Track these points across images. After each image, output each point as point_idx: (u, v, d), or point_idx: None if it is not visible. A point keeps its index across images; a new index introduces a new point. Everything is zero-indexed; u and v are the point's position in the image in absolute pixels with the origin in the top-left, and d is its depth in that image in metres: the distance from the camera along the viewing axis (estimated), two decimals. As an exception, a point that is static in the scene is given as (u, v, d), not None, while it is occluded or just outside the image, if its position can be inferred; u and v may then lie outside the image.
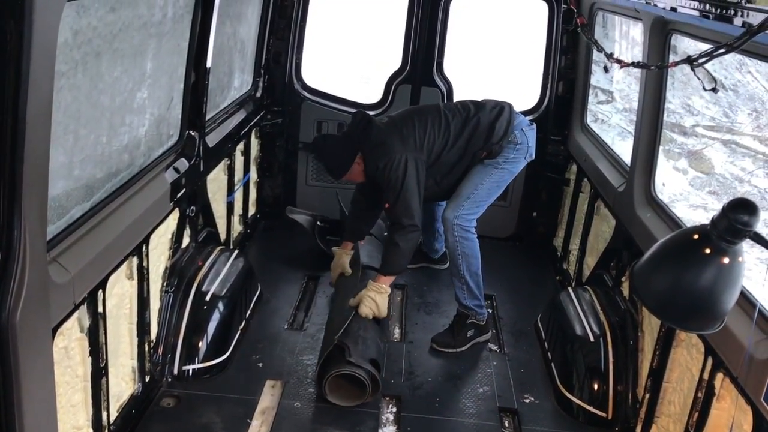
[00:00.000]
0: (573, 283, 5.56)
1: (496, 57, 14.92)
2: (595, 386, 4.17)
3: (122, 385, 3.67)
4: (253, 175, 6.22)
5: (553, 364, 4.56)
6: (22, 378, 2.39)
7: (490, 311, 5.26)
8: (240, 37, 5.36)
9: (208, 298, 4.33)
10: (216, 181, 5.06)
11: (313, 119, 6.31)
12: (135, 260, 3.56)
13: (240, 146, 5.62)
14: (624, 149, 5.13)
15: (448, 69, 6.27)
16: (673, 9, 3.31)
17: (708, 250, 2.26)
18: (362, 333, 4.31)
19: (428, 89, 6.21)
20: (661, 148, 4.52)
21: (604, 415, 4.12)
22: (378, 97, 6.33)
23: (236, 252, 4.98)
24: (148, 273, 3.71)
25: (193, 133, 4.33)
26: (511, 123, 4.69)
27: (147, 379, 3.93)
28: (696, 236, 2.33)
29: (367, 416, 4.08)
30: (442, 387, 4.45)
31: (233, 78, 5.47)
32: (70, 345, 2.96)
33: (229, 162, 5.26)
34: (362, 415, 4.08)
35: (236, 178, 5.50)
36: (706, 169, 12.09)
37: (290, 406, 4.10)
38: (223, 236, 5.32)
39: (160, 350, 4.11)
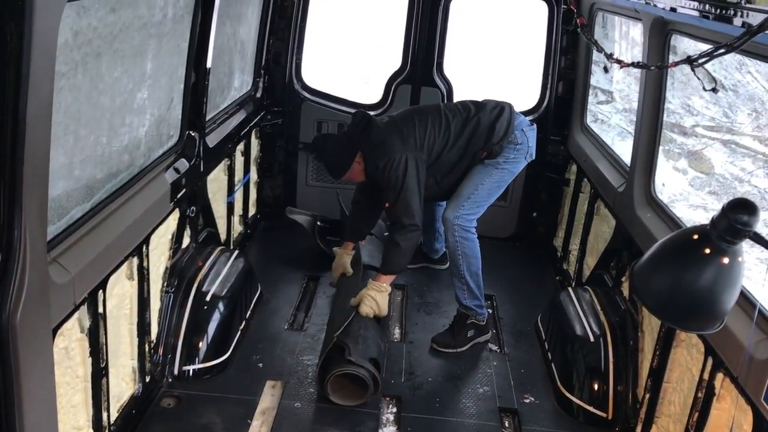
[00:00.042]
0: (573, 283, 5.56)
1: (496, 57, 14.92)
2: (596, 386, 4.17)
3: (122, 385, 3.67)
4: (253, 175, 6.22)
5: (553, 364, 4.56)
6: (23, 378, 2.39)
7: (490, 311, 5.26)
8: (240, 38, 5.36)
9: (208, 298, 4.33)
10: (216, 181, 5.07)
11: (313, 119, 6.31)
12: (135, 260, 3.56)
13: (240, 146, 5.62)
14: (624, 149, 5.13)
15: (448, 69, 6.27)
16: (673, 9, 3.32)
17: (708, 250, 2.27)
18: (362, 332, 4.31)
19: (428, 89, 6.21)
20: (661, 148, 4.52)
21: (604, 415, 4.12)
22: (378, 97, 6.34)
23: (236, 252, 4.98)
24: (148, 273, 3.72)
25: (193, 134, 4.34)
26: (512, 123, 4.69)
27: (147, 379, 3.93)
28: (696, 236, 2.33)
29: (368, 416, 4.08)
30: (442, 387, 4.45)
31: (233, 78, 5.47)
32: (70, 345, 2.97)
33: (229, 162, 5.26)
34: (362, 416, 4.08)
35: (236, 179, 5.50)
36: (705, 169, 12.09)
37: (290, 406, 4.10)
38: (223, 236, 5.32)
39: (161, 350, 4.11)
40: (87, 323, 3.06)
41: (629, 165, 4.69)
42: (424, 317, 5.21)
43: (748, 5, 2.54)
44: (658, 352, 3.79)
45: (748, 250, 2.34)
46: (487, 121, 4.66)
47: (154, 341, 4.03)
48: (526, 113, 5.94)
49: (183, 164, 4.20)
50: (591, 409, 4.15)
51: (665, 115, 4.47)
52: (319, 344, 4.69)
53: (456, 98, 6.16)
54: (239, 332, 4.63)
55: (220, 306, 4.41)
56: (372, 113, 5.02)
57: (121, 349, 3.61)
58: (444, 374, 4.58)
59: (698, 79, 3.27)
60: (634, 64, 3.90)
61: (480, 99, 4.89)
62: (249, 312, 4.89)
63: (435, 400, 4.31)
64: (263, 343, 4.67)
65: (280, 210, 6.17)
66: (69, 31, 2.70)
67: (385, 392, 4.27)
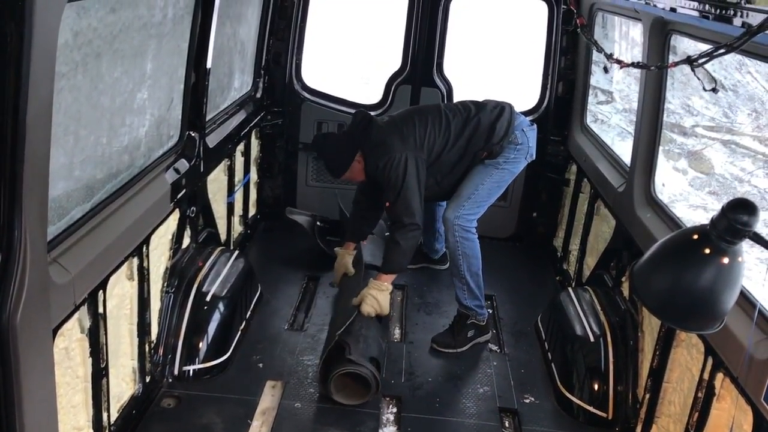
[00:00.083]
0: (573, 284, 5.56)
1: (496, 57, 14.92)
2: (596, 386, 4.17)
3: (123, 385, 3.67)
4: (254, 175, 6.23)
5: (553, 365, 4.56)
6: (23, 379, 2.39)
7: (491, 311, 5.26)
8: (240, 38, 5.36)
9: (208, 298, 4.33)
10: (216, 181, 5.07)
11: (313, 120, 6.31)
12: (135, 261, 3.56)
13: (240, 147, 5.63)
14: (624, 149, 5.13)
15: (448, 69, 6.27)
16: (673, 9, 3.32)
17: (708, 251, 2.27)
18: (364, 332, 4.32)
19: (428, 90, 6.21)
20: (660, 148, 4.52)
21: (604, 415, 4.12)
22: (378, 97, 6.34)
23: (236, 252, 4.98)
24: (148, 273, 3.72)
25: (193, 134, 4.34)
26: (512, 123, 4.70)
27: (147, 379, 3.93)
28: (696, 236, 2.33)
29: (368, 417, 4.08)
30: (442, 387, 4.45)
31: (233, 79, 5.47)
32: (70, 346, 2.97)
33: (229, 163, 5.27)
34: (363, 416, 4.08)
35: (236, 179, 5.50)
36: (705, 169, 12.09)
37: (291, 406, 4.10)
38: (223, 237, 5.32)
39: (161, 351, 4.11)
40: (87, 323, 3.06)
41: (629, 165, 4.69)
42: (424, 317, 5.21)
43: (747, 5, 2.54)
44: (658, 352, 3.79)
45: (748, 250, 2.34)
46: (487, 121, 4.66)
47: (155, 341, 4.03)
48: (526, 113, 5.94)
49: (183, 164, 4.20)
50: (591, 409, 4.15)
51: (665, 115, 4.47)
52: (319, 344, 4.69)
53: (456, 98, 6.16)
54: (239, 332, 4.63)
55: (221, 306, 4.41)
56: (372, 113, 5.02)
57: (122, 350, 3.61)
58: (444, 374, 4.58)
59: (698, 79, 3.27)
60: (634, 65, 3.90)
61: (480, 99, 4.90)
62: (249, 312, 4.89)
63: (435, 400, 4.31)
64: (263, 344, 4.67)
65: (280, 210, 6.17)
66: (69, 31, 2.70)
67: (385, 392, 4.27)
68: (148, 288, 3.75)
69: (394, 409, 4.21)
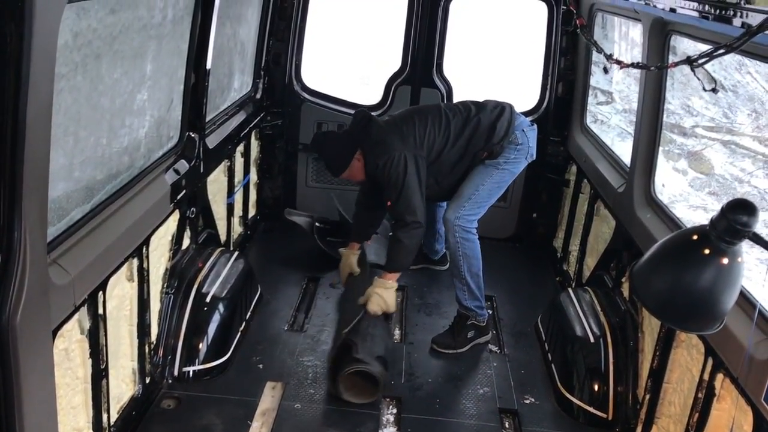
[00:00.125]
0: (573, 284, 5.56)
1: (496, 58, 14.91)
2: (596, 387, 4.17)
3: (122, 386, 3.67)
4: (253, 176, 6.23)
5: (553, 365, 4.56)
6: (23, 380, 2.39)
7: (491, 312, 5.26)
8: (240, 39, 5.36)
9: (208, 299, 4.33)
10: (216, 182, 5.07)
11: (313, 120, 6.31)
12: (135, 262, 3.56)
13: (240, 148, 5.63)
14: (624, 150, 5.13)
15: (447, 70, 6.27)
16: (673, 10, 3.32)
17: (707, 251, 2.26)
18: (370, 330, 4.36)
19: (428, 90, 6.22)
20: (660, 148, 4.52)
21: (604, 415, 4.12)
22: (378, 98, 6.34)
23: (236, 253, 4.98)
24: (148, 274, 3.72)
25: (193, 135, 4.34)
26: (512, 123, 4.70)
27: (147, 380, 3.93)
28: (695, 237, 2.33)
29: (368, 417, 4.08)
30: (442, 388, 4.45)
31: (233, 79, 5.47)
32: (70, 347, 2.97)
33: (229, 163, 5.27)
34: (363, 417, 4.08)
35: (236, 180, 5.50)
36: (705, 169, 12.08)
37: (290, 407, 4.10)
38: (223, 238, 5.32)
39: (161, 352, 4.11)
40: (87, 324, 3.06)
41: (629, 165, 4.69)
42: (424, 318, 5.21)
43: (747, 6, 2.54)
44: (658, 353, 3.79)
45: (747, 250, 2.33)
46: (487, 121, 4.67)
47: (154, 342, 4.03)
48: (526, 114, 5.94)
49: (183, 165, 4.20)
50: (591, 409, 4.15)
51: (665, 116, 4.48)
52: (320, 345, 4.70)
53: (456, 99, 6.16)
54: (239, 333, 4.63)
55: (220, 307, 4.41)
56: (372, 114, 5.02)
57: (121, 351, 3.61)
58: (444, 375, 4.57)
59: (698, 79, 3.27)
60: (633, 65, 3.90)
61: (480, 100, 4.90)
62: (249, 313, 4.89)
63: (435, 401, 4.30)
64: (263, 344, 4.67)
65: (280, 211, 6.17)
66: (69, 32, 2.71)
67: (385, 393, 4.26)
68: (147, 289, 3.75)
69: (394, 410, 4.21)
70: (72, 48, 2.77)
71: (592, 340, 4.30)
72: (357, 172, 4.70)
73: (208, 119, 4.61)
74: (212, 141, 4.73)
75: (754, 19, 2.49)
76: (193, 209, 4.45)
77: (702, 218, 10.19)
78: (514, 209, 6.45)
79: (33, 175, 2.30)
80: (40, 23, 2.12)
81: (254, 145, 6.10)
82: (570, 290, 5.00)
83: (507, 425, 4.18)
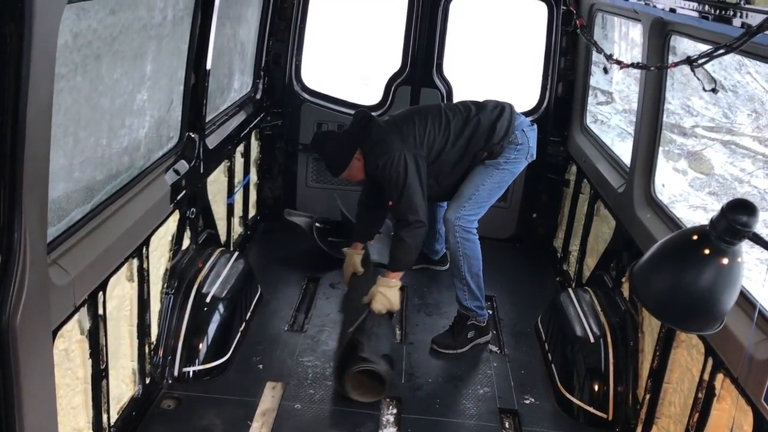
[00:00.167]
0: (573, 284, 5.56)
1: (496, 58, 14.92)
2: (596, 387, 4.17)
3: (122, 387, 3.67)
4: (253, 176, 6.23)
5: (553, 365, 4.56)
6: (23, 380, 2.39)
7: (491, 312, 5.26)
8: (240, 39, 5.37)
9: (208, 299, 4.33)
10: (216, 182, 5.07)
11: (313, 121, 6.31)
12: (135, 262, 3.56)
13: (240, 148, 5.63)
14: (624, 150, 5.13)
15: (447, 70, 6.27)
16: (672, 10, 3.32)
17: (707, 251, 2.26)
18: (375, 329, 4.37)
19: (428, 90, 6.22)
20: (660, 148, 4.53)
21: (604, 416, 4.12)
22: (378, 98, 6.34)
23: (236, 254, 4.98)
24: (148, 275, 3.72)
25: (193, 135, 4.34)
26: (512, 123, 4.70)
27: (147, 381, 3.93)
28: (695, 237, 2.33)
29: (368, 418, 4.08)
30: (442, 388, 4.45)
31: (233, 80, 5.47)
32: (70, 347, 2.97)
33: (229, 164, 5.27)
34: (363, 417, 4.08)
35: (236, 180, 5.50)
36: (705, 169, 12.08)
37: (290, 407, 4.10)
38: (223, 238, 5.32)
39: (161, 352, 4.11)
40: (87, 325, 3.06)
41: (629, 166, 4.69)
42: (424, 318, 5.21)
43: (747, 6, 2.54)
44: (658, 353, 3.79)
45: (747, 250, 2.33)
46: (487, 121, 4.67)
47: (154, 343, 4.03)
48: (526, 114, 5.94)
49: (183, 166, 4.20)
50: (591, 409, 4.15)
51: (665, 116, 4.48)
52: (319, 346, 4.71)
53: (456, 99, 6.16)
54: (239, 334, 4.63)
55: (220, 307, 4.41)
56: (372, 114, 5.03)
57: (121, 351, 3.61)
58: (444, 375, 4.57)
59: (698, 79, 3.27)
60: (633, 65, 3.90)
61: (480, 100, 4.90)
62: (249, 313, 4.89)
63: (435, 401, 4.30)
64: (263, 345, 4.67)
65: (280, 211, 6.17)
66: (69, 32, 2.71)
67: (388, 393, 4.27)
68: (147, 289, 3.75)
69: (394, 410, 4.21)
70: (72, 48, 2.77)
71: (592, 340, 4.30)
72: (357, 171, 4.70)
73: (208, 119, 4.61)
74: (212, 141, 4.73)
75: (754, 20, 2.49)
76: (193, 209, 4.46)
77: (702, 218, 10.19)
78: (514, 209, 6.45)
79: (33, 175, 2.30)
80: (39, 24, 2.12)
81: (254, 145, 6.11)
82: (570, 290, 5.01)
83: (507, 425, 4.18)
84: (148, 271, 3.70)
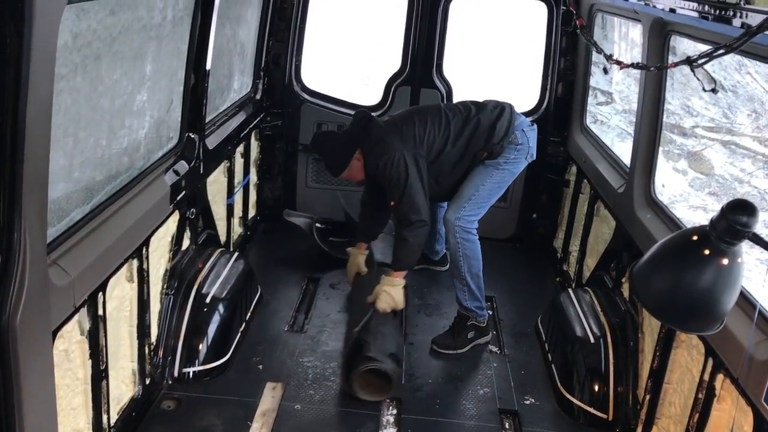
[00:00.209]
0: (573, 285, 5.56)
1: (496, 58, 14.92)
2: (596, 387, 4.17)
3: (122, 387, 3.67)
4: (253, 177, 6.23)
5: (553, 366, 4.56)
6: (23, 381, 2.39)
7: (491, 313, 5.26)
8: (239, 40, 5.36)
9: (208, 300, 4.33)
10: (216, 183, 5.07)
11: (313, 121, 6.31)
12: (135, 263, 3.56)
13: (240, 148, 5.63)
14: (623, 150, 5.13)
15: (447, 70, 6.27)
16: (672, 10, 3.32)
17: (707, 251, 2.26)
18: (381, 328, 4.39)
19: (428, 91, 6.22)
20: (660, 149, 4.53)
21: (604, 416, 4.11)
22: (378, 98, 6.34)
23: (236, 254, 4.98)
24: (148, 275, 3.71)
25: (192, 136, 4.34)
26: (512, 123, 4.70)
27: (147, 381, 3.93)
28: (695, 237, 2.33)
29: (368, 418, 4.08)
30: (442, 389, 4.44)
31: (233, 80, 5.47)
32: (70, 348, 2.96)
33: (228, 164, 5.27)
34: (363, 417, 4.08)
35: (236, 181, 5.50)
36: (705, 170, 12.08)
37: (290, 408, 4.09)
38: (223, 238, 5.32)
39: (161, 353, 4.11)
40: (87, 325, 3.06)
41: (629, 166, 4.69)
42: (425, 319, 5.21)
43: (747, 6, 2.54)
44: (658, 353, 3.79)
45: (747, 251, 2.33)
46: (487, 121, 4.67)
47: (154, 343, 4.03)
48: (526, 114, 5.93)
49: (183, 166, 4.20)
50: (591, 410, 4.15)
51: (665, 116, 4.48)
52: (319, 346, 4.71)
53: (456, 99, 6.16)
54: (239, 334, 4.63)
55: (220, 308, 4.41)
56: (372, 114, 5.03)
57: (121, 352, 3.61)
58: (444, 376, 4.57)
59: (698, 79, 3.27)
60: (633, 65, 3.90)
61: (480, 100, 4.90)
62: (249, 314, 4.89)
63: (435, 401, 4.30)
64: (263, 345, 4.67)
65: (280, 212, 6.17)
66: (68, 33, 2.71)
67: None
68: (147, 290, 3.75)
69: (394, 411, 4.20)
70: (72, 49, 2.77)
71: (592, 340, 4.30)
72: (356, 172, 4.70)
73: (207, 120, 4.61)
74: (212, 142, 4.73)
75: (754, 20, 2.49)
76: (193, 210, 4.45)
77: (702, 218, 10.19)
78: (514, 210, 6.45)
79: (33, 175, 2.30)
80: (39, 24, 2.12)
81: (254, 145, 6.10)
82: (570, 291, 5.00)
83: (507, 426, 4.18)
84: (147, 271, 3.70)
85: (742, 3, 2.56)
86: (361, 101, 6.50)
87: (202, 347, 4.25)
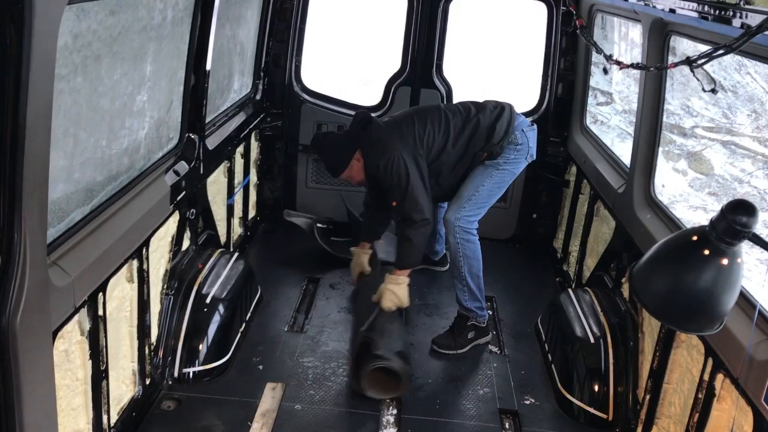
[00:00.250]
0: (573, 285, 5.56)
1: (496, 59, 14.93)
2: (596, 387, 4.17)
3: (123, 388, 3.67)
4: (253, 177, 6.23)
5: (553, 366, 4.56)
6: (23, 381, 2.39)
7: (491, 313, 5.26)
8: (239, 40, 5.37)
9: (208, 300, 4.33)
10: (216, 183, 5.07)
11: (313, 121, 6.32)
12: (135, 263, 3.56)
13: (240, 149, 5.63)
14: (623, 151, 5.14)
15: (447, 71, 6.28)
16: (672, 10, 3.32)
17: (707, 252, 2.26)
18: (387, 326, 4.41)
19: (428, 91, 6.22)
20: (660, 149, 4.53)
21: (604, 416, 4.12)
22: (378, 99, 6.34)
23: (236, 254, 4.98)
24: (148, 276, 3.72)
25: (192, 136, 4.34)
26: (512, 124, 4.70)
27: (147, 381, 3.93)
28: (695, 237, 2.33)
29: (368, 418, 4.08)
30: (442, 389, 4.44)
31: (233, 81, 5.47)
32: (70, 348, 2.96)
33: (229, 164, 5.27)
34: (363, 417, 4.08)
35: (236, 181, 5.50)
36: (705, 170, 12.09)
37: (291, 408, 4.10)
38: (223, 239, 5.32)
39: (161, 353, 4.11)
40: (87, 326, 3.06)
41: (629, 166, 4.69)
42: (425, 319, 5.21)
43: (746, 6, 2.54)
44: (658, 353, 3.79)
45: (747, 251, 2.33)
46: (487, 122, 4.67)
47: (154, 344, 4.03)
48: (525, 114, 5.95)
49: (183, 167, 4.20)
50: (591, 410, 4.15)
51: (665, 116, 4.48)
52: (319, 346, 4.71)
53: (456, 100, 6.17)
54: (239, 334, 4.63)
55: (220, 308, 4.41)
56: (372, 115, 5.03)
57: (121, 352, 3.61)
58: (444, 376, 4.57)
59: (697, 80, 3.27)
60: (633, 65, 3.90)
61: (480, 100, 4.90)
62: (249, 314, 4.89)
63: (435, 401, 4.30)
64: (263, 345, 4.67)
65: (280, 212, 6.17)
66: (68, 33, 2.71)
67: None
68: (147, 290, 3.75)
69: (395, 411, 4.20)
70: (72, 49, 2.77)
71: (592, 340, 4.30)
72: (356, 172, 4.71)
73: (207, 120, 4.61)
74: (212, 142, 4.73)
75: (754, 20, 2.49)
76: (193, 210, 4.46)
77: (702, 219, 10.19)
78: (514, 210, 6.45)
79: (33, 176, 2.30)
80: (39, 24, 2.12)
81: (254, 146, 6.11)
82: (570, 291, 5.00)
83: (507, 426, 4.18)
84: (148, 272, 3.71)
85: (741, 3, 2.56)
86: (361, 102, 6.51)
87: (202, 347, 4.25)
